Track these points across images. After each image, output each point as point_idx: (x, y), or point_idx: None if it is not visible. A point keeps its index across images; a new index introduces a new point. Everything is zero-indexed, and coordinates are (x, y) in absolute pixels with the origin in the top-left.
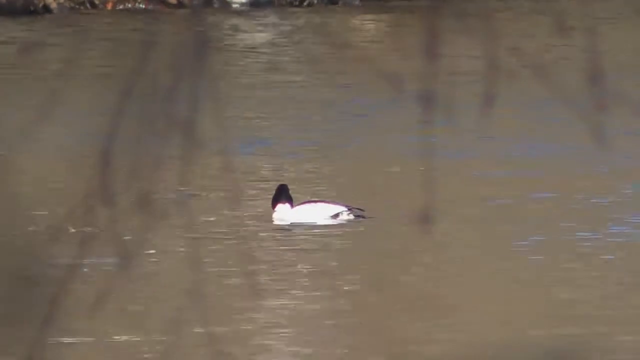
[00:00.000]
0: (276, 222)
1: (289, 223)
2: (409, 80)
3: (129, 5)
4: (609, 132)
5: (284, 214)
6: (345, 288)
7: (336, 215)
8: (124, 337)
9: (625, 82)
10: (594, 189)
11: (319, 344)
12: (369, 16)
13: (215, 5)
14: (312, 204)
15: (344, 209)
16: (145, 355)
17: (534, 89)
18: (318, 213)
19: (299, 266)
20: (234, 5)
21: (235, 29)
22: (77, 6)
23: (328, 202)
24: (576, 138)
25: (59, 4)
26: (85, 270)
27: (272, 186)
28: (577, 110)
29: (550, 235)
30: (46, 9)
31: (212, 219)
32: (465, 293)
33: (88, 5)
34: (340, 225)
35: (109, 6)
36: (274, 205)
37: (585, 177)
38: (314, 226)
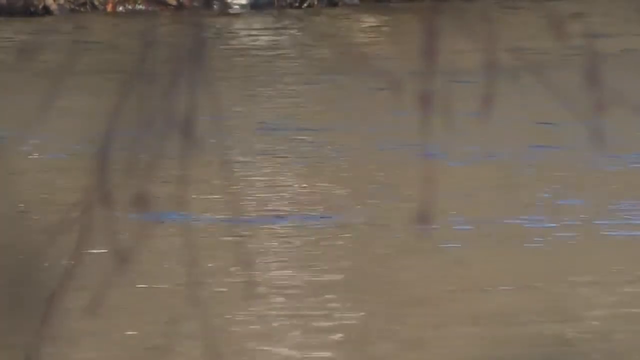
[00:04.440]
0: None
1: None
2: (407, 80)
3: (129, 7)
4: (608, 133)
5: None
6: (345, 290)
7: None
8: (122, 336)
9: (624, 83)
10: (594, 190)
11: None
12: (368, 17)
13: (215, 7)
14: None
15: None
16: (143, 354)
17: (533, 89)
18: None
19: (295, 266)
20: (234, 7)
21: (235, 30)
22: (77, 7)
23: None
24: (576, 139)
25: (59, 5)
26: (82, 269)
27: (271, 186)
28: (576, 111)
29: (549, 237)
30: (46, 10)
31: (210, 218)
32: (464, 294)
33: (88, 6)
34: (340, 225)
35: (109, 7)
36: None
37: (586, 178)
38: (312, 226)
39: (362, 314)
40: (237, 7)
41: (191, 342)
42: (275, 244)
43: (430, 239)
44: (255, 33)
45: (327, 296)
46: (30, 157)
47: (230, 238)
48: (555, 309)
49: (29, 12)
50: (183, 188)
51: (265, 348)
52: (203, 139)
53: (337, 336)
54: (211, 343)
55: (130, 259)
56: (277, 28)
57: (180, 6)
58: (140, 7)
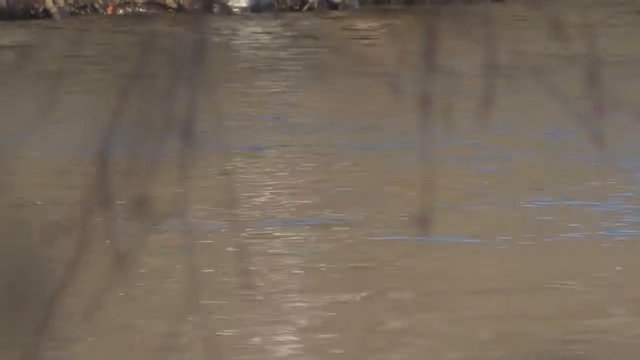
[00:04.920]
0: None
1: None
2: (407, 83)
3: (130, 10)
4: (608, 135)
5: None
6: (346, 288)
7: None
8: (122, 338)
9: (624, 85)
10: (593, 191)
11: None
12: (368, 19)
13: (215, 9)
14: None
15: None
16: (143, 355)
17: (532, 91)
18: None
19: (294, 269)
20: (234, 9)
21: (235, 32)
22: (77, 11)
23: None
24: (575, 141)
25: (59, 8)
26: (82, 272)
27: (272, 186)
28: (575, 113)
29: (549, 237)
30: (46, 13)
31: (209, 220)
32: (464, 294)
33: (89, 9)
34: (341, 225)
35: (110, 10)
36: None
37: (584, 179)
38: (313, 225)
39: (365, 313)
40: (237, 9)
41: (191, 341)
42: (276, 244)
43: (430, 239)
44: (255, 35)
45: (327, 296)
46: (30, 158)
47: (230, 238)
48: (555, 308)
49: (29, 15)
50: (183, 189)
51: (265, 349)
52: (203, 140)
53: (338, 332)
54: (211, 344)
55: (130, 261)
56: (277, 30)
57: (180, 9)
58: (141, 10)
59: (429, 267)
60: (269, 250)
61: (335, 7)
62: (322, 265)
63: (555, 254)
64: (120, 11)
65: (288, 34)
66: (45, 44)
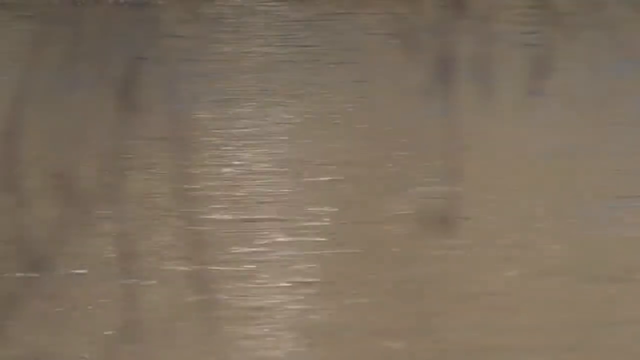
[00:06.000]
0: None
1: None
2: (414, 76)
3: None
4: None
5: None
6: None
7: None
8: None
9: None
10: (603, 186)
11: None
12: (370, 7)
13: None
14: None
15: None
16: (143, 350)
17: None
18: None
19: (299, 262)
20: None
21: (236, 22)
22: None
23: None
24: (579, 132)
25: None
26: (82, 264)
27: (273, 179)
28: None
29: (553, 234)
30: (47, 1)
31: (212, 213)
32: (470, 292)
33: None
34: (348, 222)
35: None
36: None
37: (592, 173)
38: (316, 221)
39: (374, 312)
40: None
41: (194, 338)
42: (277, 239)
43: (451, 236)
44: (256, 24)
45: (330, 294)
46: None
47: (231, 233)
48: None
49: (30, 3)
50: (184, 183)
51: (268, 344)
52: (201, 129)
53: (346, 327)
54: (213, 339)
55: (130, 255)
56: (277, 19)
57: None
58: None
59: (449, 263)
60: (271, 244)
61: None
62: (328, 260)
63: (562, 248)
64: None
65: (288, 22)
66: (46, 32)
